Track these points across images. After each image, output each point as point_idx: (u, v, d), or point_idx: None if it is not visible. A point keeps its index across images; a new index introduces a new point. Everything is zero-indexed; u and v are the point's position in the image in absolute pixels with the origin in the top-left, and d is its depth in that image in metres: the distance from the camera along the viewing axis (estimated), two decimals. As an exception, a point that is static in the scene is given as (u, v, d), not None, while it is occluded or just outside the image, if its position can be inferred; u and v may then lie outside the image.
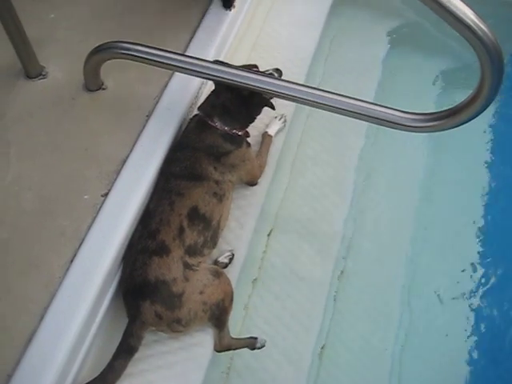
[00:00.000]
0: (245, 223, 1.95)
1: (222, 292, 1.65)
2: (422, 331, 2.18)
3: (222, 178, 1.77)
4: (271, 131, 2.12)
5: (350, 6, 2.84)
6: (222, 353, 1.75)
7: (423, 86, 2.85)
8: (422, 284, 2.28)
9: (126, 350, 1.52)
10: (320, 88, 1.69)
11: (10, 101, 1.90)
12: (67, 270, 1.54)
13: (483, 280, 2.32)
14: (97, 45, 1.78)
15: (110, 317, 1.64)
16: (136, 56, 1.74)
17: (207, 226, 1.70)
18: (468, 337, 2.19)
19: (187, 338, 1.68)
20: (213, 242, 1.75)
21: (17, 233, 1.62)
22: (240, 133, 1.84)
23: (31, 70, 1.94)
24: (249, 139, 1.93)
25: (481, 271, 2.33)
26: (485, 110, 1.38)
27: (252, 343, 1.78)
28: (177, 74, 1.96)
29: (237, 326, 1.89)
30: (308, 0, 2.66)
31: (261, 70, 1.89)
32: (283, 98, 1.70)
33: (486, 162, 2.66)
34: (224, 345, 1.73)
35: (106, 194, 1.69)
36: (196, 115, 1.86)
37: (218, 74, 1.72)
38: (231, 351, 1.80)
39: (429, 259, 2.34)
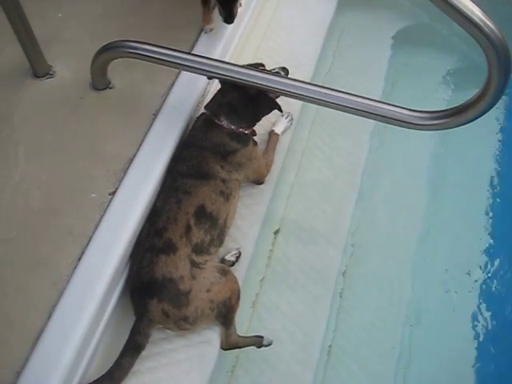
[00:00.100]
0: (251, 221, 1.95)
1: (228, 290, 1.65)
2: (429, 330, 2.17)
3: (229, 177, 1.77)
4: (278, 130, 2.12)
5: (357, 4, 2.83)
6: (228, 351, 1.75)
7: (430, 85, 2.83)
8: (429, 282, 2.27)
9: (133, 348, 1.53)
10: (327, 86, 1.68)
11: (17, 100, 1.91)
12: (75, 268, 1.55)
13: (489, 280, 2.31)
14: (104, 44, 1.78)
15: (117, 315, 1.65)
16: (143, 55, 1.74)
17: (214, 225, 1.71)
18: (475, 337, 2.18)
19: (194, 335, 1.68)
20: (219, 240, 1.75)
21: (25, 231, 1.63)
22: (247, 131, 1.84)
23: (39, 70, 1.95)
24: (255, 138, 1.92)
25: (487, 271, 2.32)
26: (492, 107, 1.38)
27: (259, 341, 1.78)
28: (183, 72, 1.96)
29: (244, 325, 1.88)
30: (315, -2, 2.65)
31: (267, 68, 1.89)
32: (290, 96, 1.70)
33: (494, 159, 2.66)
34: (231, 343, 1.72)
35: (114, 193, 1.70)
36: (203, 114, 1.87)
37: (225, 73, 1.72)
38: (237, 349, 1.80)
39: (436, 257, 2.33)
